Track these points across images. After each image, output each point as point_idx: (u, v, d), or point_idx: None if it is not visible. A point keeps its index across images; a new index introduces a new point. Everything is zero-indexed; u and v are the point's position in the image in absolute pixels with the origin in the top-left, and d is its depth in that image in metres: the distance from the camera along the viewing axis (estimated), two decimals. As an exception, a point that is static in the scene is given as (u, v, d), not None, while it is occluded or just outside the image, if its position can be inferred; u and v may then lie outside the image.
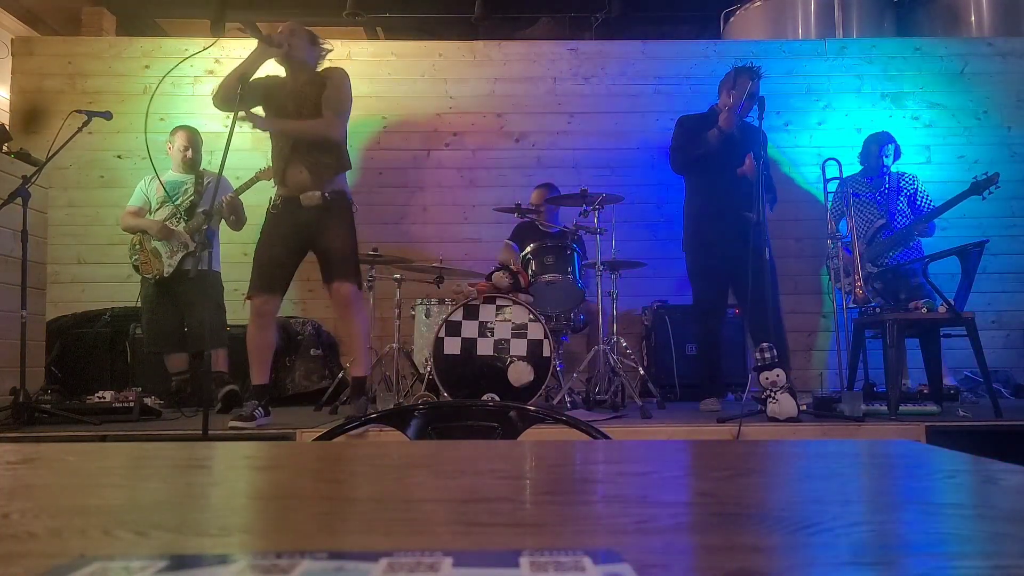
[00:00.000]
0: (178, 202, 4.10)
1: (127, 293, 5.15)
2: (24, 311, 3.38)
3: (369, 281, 4.42)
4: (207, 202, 4.07)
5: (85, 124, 3.54)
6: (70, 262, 5.27)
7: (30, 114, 5.35)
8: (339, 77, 3.36)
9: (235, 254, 4.73)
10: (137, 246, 4.16)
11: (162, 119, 5.47)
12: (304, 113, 3.30)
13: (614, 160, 5.46)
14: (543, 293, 3.84)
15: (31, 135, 5.07)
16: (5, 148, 3.79)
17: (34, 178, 3.44)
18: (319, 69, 3.43)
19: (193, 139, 4.24)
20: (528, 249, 3.93)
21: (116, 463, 0.78)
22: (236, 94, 3.17)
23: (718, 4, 6.44)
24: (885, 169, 4.58)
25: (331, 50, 3.52)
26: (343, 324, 3.40)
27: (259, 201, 4.23)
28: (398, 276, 4.37)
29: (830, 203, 4.44)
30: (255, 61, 3.23)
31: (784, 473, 0.69)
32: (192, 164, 4.23)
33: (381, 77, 5.43)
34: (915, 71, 5.56)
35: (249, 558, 0.36)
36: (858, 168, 4.70)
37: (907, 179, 4.62)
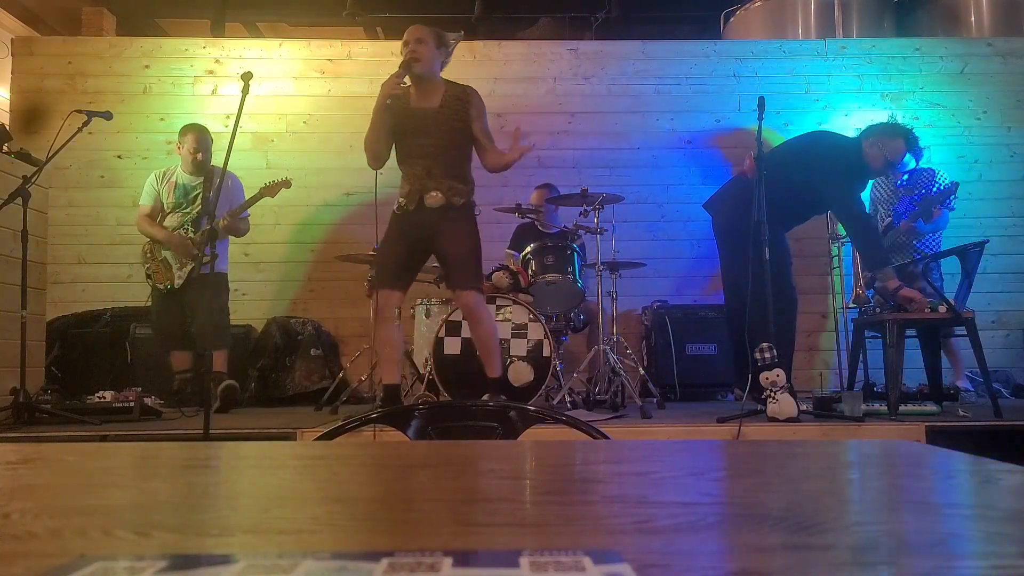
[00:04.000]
0: (187, 210, 4.07)
1: (127, 293, 5.15)
2: (24, 311, 3.38)
3: (369, 281, 4.42)
4: (222, 210, 3.99)
5: (85, 124, 3.54)
6: (70, 262, 5.27)
7: (30, 114, 5.36)
8: (480, 101, 3.32)
9: (235, 253, 4.74)
10: (148, 254, 4.12)
11: (162, 119, 5.48)
12: (445, 138, 3.25)
13: (614, 160, 5.46)
14: (543, 293, 3.84)
15: (31, 135, 5.06)
16: (5, 148, 3.79)
17: (34, 178, 3.44)
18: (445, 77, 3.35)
19: (203, 140, 4.14)
20: (528, 249, 3.93)
21: (116, 463, 0.78)
22: (387, 150, 3.27)
23: (718, 4, 6.44)
24: (901, 167, 4.55)
25: (455, 43, 3.44)
26: (470, 328, 3.43)
27: (267, 201, 4.22)
28: (398, 276, 4.36)
29: None
30: (381, 107, 3.23)
31: (784, 473, 0.69)
32: (201, 166, 4.13)
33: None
34: (915, 71, 5.56)
35: (250, 558, 0.36)
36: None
37: (923, 176, 4.52)
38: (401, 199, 3.29)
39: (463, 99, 3.28)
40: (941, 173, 4.57)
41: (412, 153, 3.28)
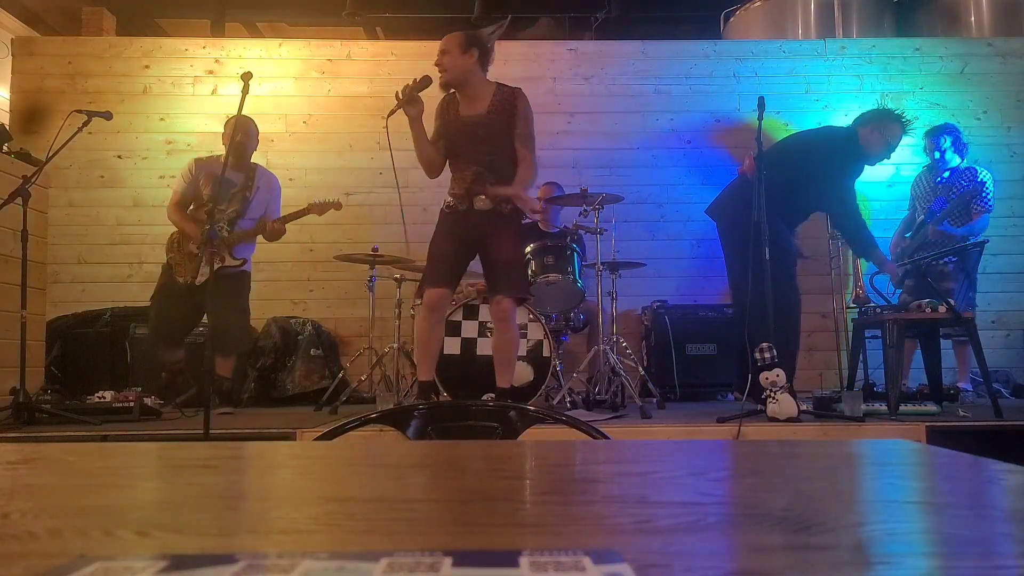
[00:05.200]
0: (223, 208, 3.85)
1: (127, 293, 5.16)
2: (24, 311, 3.38)
3: (369, 281, 4.42)
4: (259, 208, 3.92)
5: (85, 124, 3.53)
6: (70, 262, 5.27)
7: (30, 114, 5.36)
8: (526, 106, 3.31)
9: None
10: (176, 244, 3.93)
11: (162, 119, 5.48)
12: (495, 144, 3.25)
13: (614, 160, 5.45)
14: (543, 293, 3.84)
15: (31, 135, 5.07)
16: (5, 148, 3.79)
17: (34, 178, 3.44)
18: (491, 78, 3.34)
19: (248, 130, 3.90)
20: (528, 249, 3.93)
21: (116, 463, 0.78)
22: (438, 158, 3.27)
23: (718, 4, 6.44)
24: (942, 164, 4.51)
25: (494, 35, 3.43)
26: (495, 334, 3.37)
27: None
28: (398, 276, 4.37)
29: None
30: (415, 126, 3.20)
31: (784, 473, 0.69)
32: (244, 159, 3.95)
33: (381, 77, 5.43)
34: (915, 71, 5.56)
35: (249, 558, 0.36)
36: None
37: (965, 175, 4.45)
38: (451, 199, 3.29)
39: (510, 102, 3.27)
40: (983, 171, 4.48)
41: (463, 159, 3.27)
